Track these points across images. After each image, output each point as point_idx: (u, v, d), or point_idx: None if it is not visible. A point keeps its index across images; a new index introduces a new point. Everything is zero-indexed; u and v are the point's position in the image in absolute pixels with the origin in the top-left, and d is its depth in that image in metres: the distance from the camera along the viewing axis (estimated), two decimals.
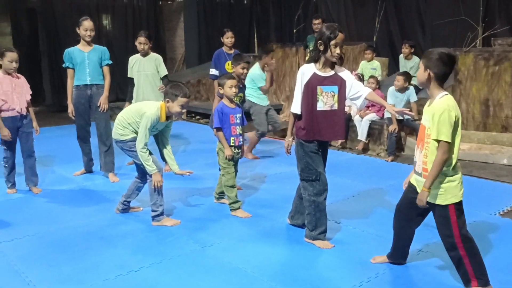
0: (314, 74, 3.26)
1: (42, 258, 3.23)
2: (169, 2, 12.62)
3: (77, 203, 4.35)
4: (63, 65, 4.97)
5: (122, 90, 9.94)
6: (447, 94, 2.59)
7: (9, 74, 4.39)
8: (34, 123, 4.57)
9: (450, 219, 2.62)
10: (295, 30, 10.58)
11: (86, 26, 4.86)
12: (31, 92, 4.61)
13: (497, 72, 6.25)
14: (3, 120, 4.32)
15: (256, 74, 5.77)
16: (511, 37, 7.17)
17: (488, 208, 4.11)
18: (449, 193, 2.61)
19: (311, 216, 3.38)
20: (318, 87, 3.25)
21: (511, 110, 6.17)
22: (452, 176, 2.61)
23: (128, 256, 3.25)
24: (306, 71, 3.29)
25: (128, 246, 3.43)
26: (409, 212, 2.87)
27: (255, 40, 12.04)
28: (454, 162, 2.58)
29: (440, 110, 2.51)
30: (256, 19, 12.06)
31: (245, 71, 4.51)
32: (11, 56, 4.33)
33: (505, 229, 3.69)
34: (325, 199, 3.38)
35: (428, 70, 2.60)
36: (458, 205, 2.64)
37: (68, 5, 10.27)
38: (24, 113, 4.46)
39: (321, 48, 3.21)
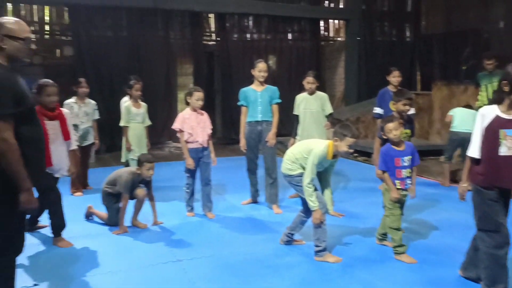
0: (497, 116, 3.05)
1: (218, 279, 3.55)
2: (331, 42, 13.02)
3: (245, 231, 4.68)
4: (238, 103, 5.47)
5: (284, 125, 10.42)
6: None
7: (195, 110, 5.01)
8: (212, 155, 5.11)
9: None
10: (463, 68, 9.95)
11: (260, 68, 5.32)
12: (211, 127, 5.19)
13: None
14: (189, 151, 4.93)
15: None
16: None
17: None
18: None
19: (488, 270, 3.10)
20: (501, 131, 3.02)
21: None
22: None
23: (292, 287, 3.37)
24: (487, 113, 3.09)
25: (292, 277, 3.56)
26: None
27: (417, 78, 11.64)
28: None
29: None
30: (419, 57, 11.68)
31: (407, 108, 4.37)
32: (198, 95, 4.96)
33: None
34: (506, 253, 3.07)
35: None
36: None
37: (241, 48, 11.32)
38: (205, 146, 5.03)
39: (506, 89, 3.00)
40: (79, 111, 6.15)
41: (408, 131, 4.39)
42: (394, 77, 6.04)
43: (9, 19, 2.63)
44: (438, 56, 11.03)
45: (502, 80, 3.05)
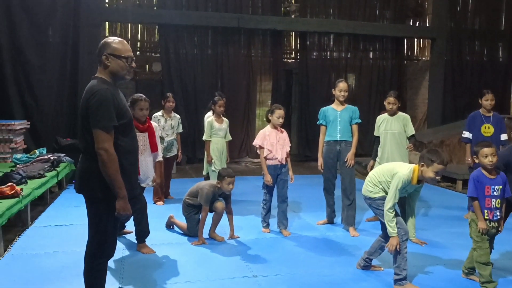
0: None
1: None
2: (414, 62, 12.61)
3: (320, 251, 4.61)
4: (318, 122, 5.45)
5: (362, 146, 10.22)
6: None
7: (275, 128, 5.07)
8: (290, 172, 5.12)
9: None
10: None
11: (341, 87, 5.27)
12: (290, 145, 5.21)
13: None
14: (267, 167, 4.99)
15: None
16: None
17: None
18: None
19: None
20: None
21: None
22: None
23: None
24: None
25: None
26: None
27: (511, 101, 10.89)
28: None
29: None
30: None
31: None
32: (280, 113, 5.02)
33: None
34: None
35: None
36: None
37: (320, 66, 11.31)
38: (284, 163, 5.06)
39: None
40: (165, 124, 6.47)
41: None
42: (487, 100, 5.71)
43: (114, 39, 2.85)
44: None
45: None
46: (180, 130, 6.73)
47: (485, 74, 11.41)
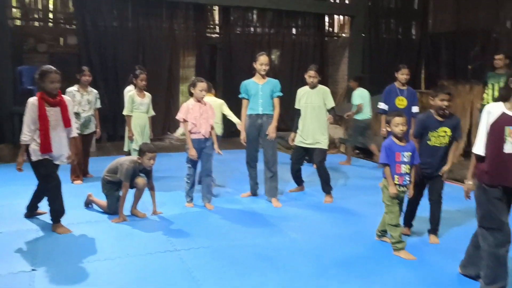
0: (503, 113, 3.02)
1: (215, 269, 3.54)
2: (335, 38, 12.96)
3: (244, 223, 4.66)
4: (239, 96, 5.43)
5: (284, 120, 10.39)
6: None
7: (198, 101, 4.98)
8: (216, 146, 5.09)
9: None
10: (470, 67, 9.89)
11: (262, 61, 5.27)
12: (214, 118, 5.16)
13: None
14: (192, 141, 4.90)
15: None
16: None
17: None
18: None
19: (489, 269, 3.08)
20: (507, 128, 2.99)
21: None
22: None
23: (290, 282, 3.35)
24: (493, 110, 3.06)
25: (290, 271, 3.53)
26: None
27: (422, 76, 11.58)
28: None
29: None
30: (426, 55, 11.62)
31: (444, 103, 3.95)
32: (202, 86, 4.93)
33: None
34: (507, 251, 3.05)
35: None
36: None
37: (244, 41, 11.26)
38: (208, 136, 5.00)
39: None
40: (82, 99, 6.13)
41: (447, 129, 3.99)
42: (403, 74, 6.00)
43: None
44: (445, 55, 10.98)
45: (510, 76, 3.01)
46: (98, 105, 6.41)
47: (400, 51, 12.00)
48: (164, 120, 10.50)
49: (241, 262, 3.68)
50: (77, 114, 5.91)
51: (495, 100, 3.17)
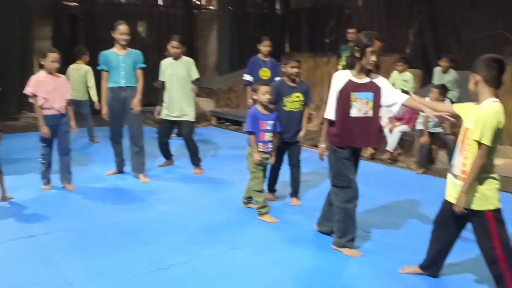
0: (349, 80, 3.27)
1: (77, 251, 3.33)
2: (203, 11, 12.85)
3: (110, 201, 4.45)
4: (98, 68, 5.09)
5: (154, 95, 10.10)
6: (497, 101, 2.58)
7: (50, 73, 4.55)
8: (72, 122, 4.71)
9: (489, 228, 2.56)
10: (327, 40, 10.60)
11: (121, 30, 4.99)
12: (70, 92, 4.77)
13: None
14: (43, 118, 4.48)
15: None
16: None
17: None
18: (485, 199, 2.56)
19: (340, 223, 3.37)
20: (352, 94, 3.25)
21: None
22: (488, 182, 2.56)
23: (158, 254, 3.31)
24: (341, 77, 3.30)
25: (158, 243, 3.49)
26: (448, 224, 2.82)
27: (287, 49, 12.11)
28: (491, 167, 2.56)
29: (487, 113, 2.51)
30: (289, 29, 12.14)
31: (295, 70, 4.18)
32: (53, 56, 4.50)
33: None
34: (355, 206, 3.37)
35: (475, 74, 2.61)
36: (497, 214, 2.59)
37: (108, 11, 10.57)
38: (64, 112, 4.61)
39: (358, 54, 3.22)
40: None
41: (300, 94, 4.24)
42: (265, 46, 6.16)
43: None
44: (305, 30, 11.58)
45: (355, 46, 3.26)
46: None
47: (265, 25, 12.34)
48: (18, 98, 9.46)
49: (106, 241, 3.52)
50: None
51: (343, 68, 3.42)
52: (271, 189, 4.59)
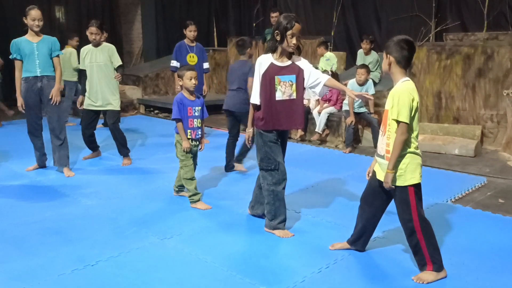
0: (272, 64, 3.27)
1: None
2: None
3: (30, 199, 4.19)
4: (10, 57, 4.74)
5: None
6: (408, 80, 2.69)
7: None
8: None
9: (410, 203, 2.70)
10: (254, 24, 10.60)
11: (33, 16, 4.66)
12: None
13: (448, 66, 6.48)
14: None
15: None
16: (462, 32, 7.46)
17: (441, 196, 4.27)
18: (408, 174, 2.68)
19: (270, 205, 3.40)
20: (276, 77, 3.26)
21: (462, 102, 6.42)
22: (411, 157, 2.68)
23: (84, 251, 3.16)
24: (264, 61, 3.30)
25: (84, 240, 3.33)
26: (374, 200, 2.93)
27: (215, 33, 11.97)
28: (413, 144, 2.68)
29: (401, 92, 2.61)
30: (215, 13, 11.98)
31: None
32: None
33: (457, 214, 3.85)
34: (283, 188, 3.41)
35: (388, 55, 2.69)
36: (417, 189, 2.72)
37: None
38: None
39: (278, 38, 3.23)
40: None
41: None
42: (191, 31, 6.05)
43: None
44: (233, 13, 11.48)
45: (275, 29, 3.26)
46: None
47: (192, 9, 12.08)
48: None
49: (27, 241, 3.30)
50: None
51: (265, 52, 3.41)
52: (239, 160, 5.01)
